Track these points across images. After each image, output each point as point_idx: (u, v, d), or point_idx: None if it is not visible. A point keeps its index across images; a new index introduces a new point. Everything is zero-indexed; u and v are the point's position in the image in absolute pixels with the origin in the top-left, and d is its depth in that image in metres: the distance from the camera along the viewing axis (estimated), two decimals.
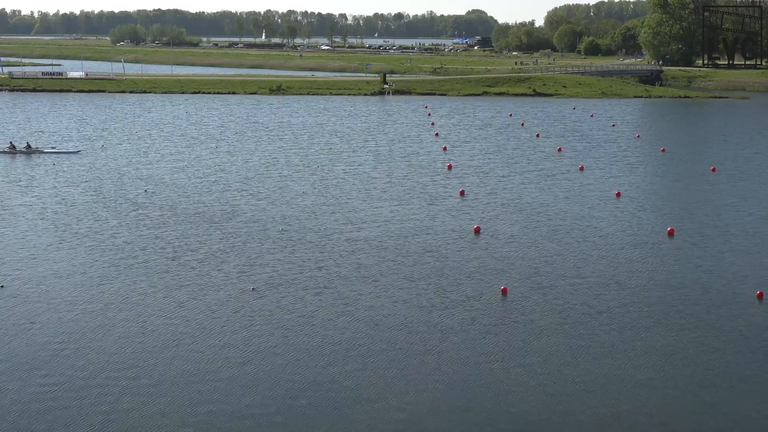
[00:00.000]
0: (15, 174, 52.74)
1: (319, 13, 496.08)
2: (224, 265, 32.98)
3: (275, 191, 47.62)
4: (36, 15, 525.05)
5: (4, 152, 59.61)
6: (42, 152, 59.86)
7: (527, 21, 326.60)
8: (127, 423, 20.40)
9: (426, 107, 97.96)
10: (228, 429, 20.26)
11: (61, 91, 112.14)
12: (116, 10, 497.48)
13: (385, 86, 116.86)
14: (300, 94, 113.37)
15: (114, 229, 38.43)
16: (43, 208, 43.06)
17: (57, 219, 40.56)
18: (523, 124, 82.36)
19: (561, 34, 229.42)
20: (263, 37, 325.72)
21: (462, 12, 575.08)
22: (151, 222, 39.92)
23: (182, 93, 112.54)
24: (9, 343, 25.05)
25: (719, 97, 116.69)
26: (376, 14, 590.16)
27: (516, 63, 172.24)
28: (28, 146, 60.35)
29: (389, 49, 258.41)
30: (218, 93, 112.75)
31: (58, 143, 64.95)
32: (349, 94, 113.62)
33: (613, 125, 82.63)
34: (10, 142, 61.31)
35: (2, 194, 46.38)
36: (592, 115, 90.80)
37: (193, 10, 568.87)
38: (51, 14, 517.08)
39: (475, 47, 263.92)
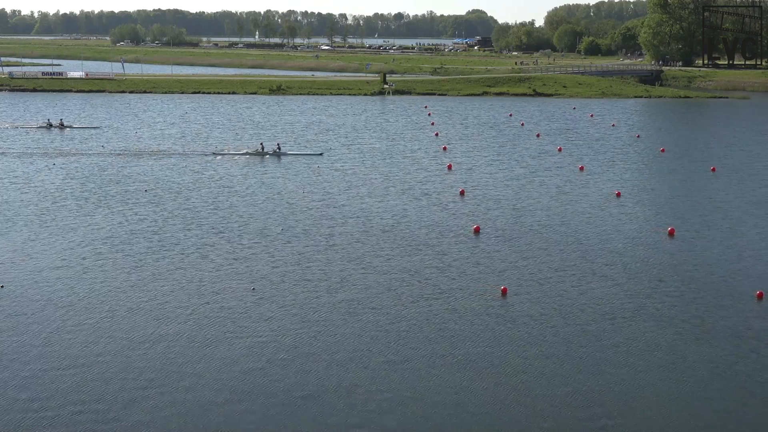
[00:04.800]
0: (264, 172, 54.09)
1: (319, 13, 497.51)
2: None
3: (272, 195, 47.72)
4: (36, 15, 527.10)
5: (249, 153, 60.85)
6: (287, 154, 61.05)
7: (527, 21, 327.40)
8: (126, 423, 20.47)
9: (426, 107, 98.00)
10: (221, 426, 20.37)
11: (61, 91, 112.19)
12: (116, 10, 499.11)
13: (385, 86, 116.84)
14: (300, 94, 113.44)
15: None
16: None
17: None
18: (522, 124, 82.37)
19: (561, 34, 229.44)
20: (257, 37, 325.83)
21: (462, 12, 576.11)
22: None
23: (182, 93, 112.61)
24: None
25: (719, 97, 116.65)
26: (376, 14, 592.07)
27: (516, 63, 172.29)
28: (278, 148, 61.63)
29: (389, 49, 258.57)
30: (218, 93, 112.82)
31: (304, 146, 65.87)
32: (349, 94, 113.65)
33: (613, 125, 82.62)
34: (261, 143, 63.02)
35: (248, 194, 46.99)
36: (591, 116, 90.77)
37: (193, 10, 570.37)
38: (51, 14, 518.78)
39: (475, 47, 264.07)
